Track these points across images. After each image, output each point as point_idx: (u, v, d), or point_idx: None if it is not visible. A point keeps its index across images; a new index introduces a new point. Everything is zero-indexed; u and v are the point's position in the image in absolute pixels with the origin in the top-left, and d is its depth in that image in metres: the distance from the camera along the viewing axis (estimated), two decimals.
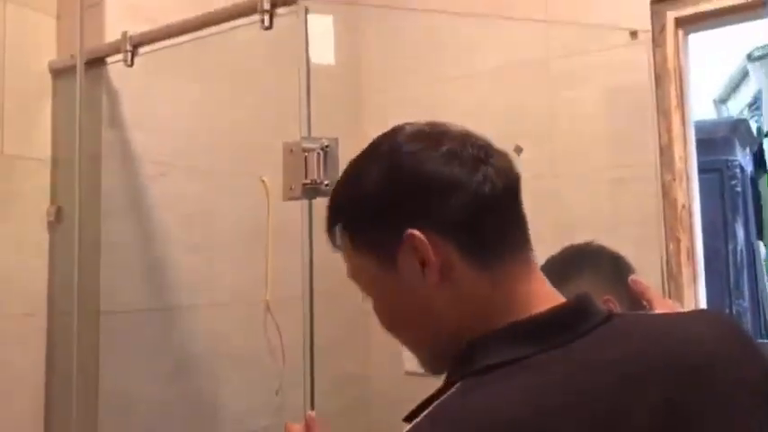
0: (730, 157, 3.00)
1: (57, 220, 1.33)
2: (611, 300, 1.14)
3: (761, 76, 3.66)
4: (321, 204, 1.11)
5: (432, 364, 0.67)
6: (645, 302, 1.17)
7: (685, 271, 1.65)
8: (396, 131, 0.67)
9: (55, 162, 1.36)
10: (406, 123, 0.68)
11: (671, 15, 1.68)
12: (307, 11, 1.05)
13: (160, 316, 1.44)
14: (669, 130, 1.68)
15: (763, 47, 3.53)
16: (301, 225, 1.07)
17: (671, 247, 1.67)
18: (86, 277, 1.30)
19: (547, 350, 0.59)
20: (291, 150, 1.05)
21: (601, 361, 0.59)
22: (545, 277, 0.67)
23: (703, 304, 1.71)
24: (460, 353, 0.62)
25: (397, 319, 0.68)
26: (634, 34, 1.54)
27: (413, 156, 0.63)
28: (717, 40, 1.98)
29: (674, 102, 1.68)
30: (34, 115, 1.36)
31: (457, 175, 0.62)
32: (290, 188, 1.05)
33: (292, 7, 1.06)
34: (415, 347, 0.69)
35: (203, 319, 1.52)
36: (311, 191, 1.04)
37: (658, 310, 1.17)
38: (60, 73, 1.36)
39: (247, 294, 1.63)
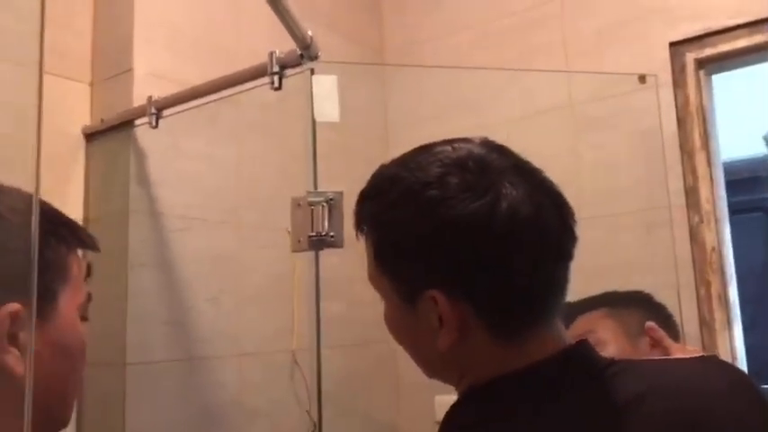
0: None
1: (87, 274, 1.39)
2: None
3: None
4: (327, 255, 1.14)
5: (427, 374, 0.70)
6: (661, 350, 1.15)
7: (718, 316, 1.60)
8: (443, 168, 0.62)
9: (86, 220, 1.43)
10: (451, 152, 0.64)
11: (690, 57, 1.68)
12: (312, 72, 1.10)
13: (186, 366, 1.47)
14: (694, 172, 1.66)
15: None
16: (308, 276, 1.10)
17: (702, 291, 1.62)
18: (114, 330, 1.35)
19: (555, 396, 0.61)
20: (299, 204, 1.09)
21: (601, 407, 0.60)
22: (560, 324, 0.66)
23: (740, 349, 1.64)
24: (466, 398, 0.64)
25: (400, 337, 0.70)
26: (642, 79, 1.54)
27: (452, 212, 0.60)
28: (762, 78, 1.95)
29: (697, 143, 1.66)
30: (68, 177, 1.44)
31: (498, 241, 0.60)
32: (299, 241, 1.09)
33: (298, 69, 1.11)
34: (413, 359, 0.70)
35: (230, 370, 1.55)
36: (317, 242, 1.07)
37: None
38: (92, 136, 1.45)
39: (274, 344, 1.66)
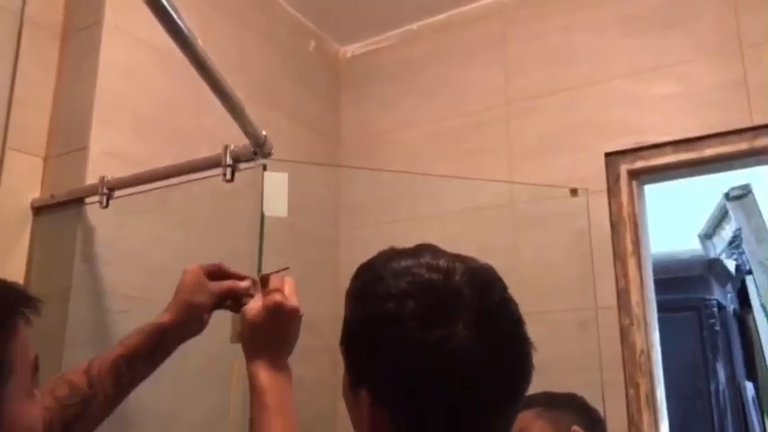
0: (707, 296, 3.04)
1: (35, 369, 1.37)
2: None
3: (739, 216, 3.76)
4: None
5: None
6: None
7: (645, 417, 1.66)
8: (410, 286, 0.65)
9: None
10: (400, 257, 0.68)
11: (624, 168, 1.79)
12: (264, 168, 1.15)
13: None
14: (626, 276, 1.75)
15: (740, 187, 3.66)
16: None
17: (631, 392, 1.68)
18: None
19: None
20: None
21: None
22: None
23: None
24: None
25: (347, 407, 0.72)
26: (574, 192, 1.64)
27: (397, 333, 0.63)
28: (699, 178, 2.08)
29: (629, 248, 1.76)
30: (11, 249, 1.43)
31: (424, 344, 0.61)
32: (239, 333, 1.10)
33: (251, 163, 1.16)
34: None
35: None
36: None
37: None
38: (40, 210, 1.46)
39: (208, 429, 1.64)
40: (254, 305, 0.95)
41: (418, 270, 0.65)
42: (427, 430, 0.63)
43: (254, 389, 0.90)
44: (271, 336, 0.93)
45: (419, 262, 0.66)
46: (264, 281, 0.97)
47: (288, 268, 0.98)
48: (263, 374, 0.90)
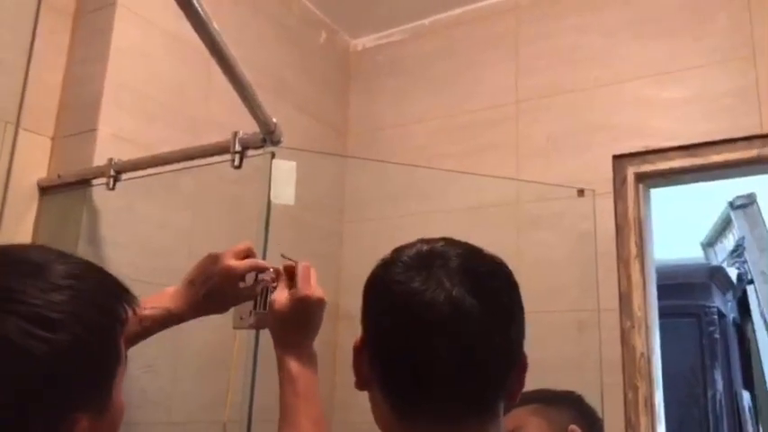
0: (707, 303, 3.03)
1: None
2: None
3: (743, 224, 3.76)
4: (268, 335, 1.16)
5: None
6: None
7: (643, 420, 1.66)
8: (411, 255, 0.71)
9: None
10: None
11: (631, 171, 1.79)
12: (273, 156, 1.15)
13: None
14: (629, 278, 1.74)
15: (745, 195, 3.66)
16: (246, 354, 1.11)
17: (629, 395, 1.68)
18: None
19: None
20: (244, 281, 1.11)
21: None
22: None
23: None
24: None
25: None
26: (581, 192, 1.64)
27: (379, 270, 0.71)
28: (703, 186, 2.08)
29: (633, 251, 1.76)
30: (16, 228, 1.43)
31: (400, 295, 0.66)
32: (241, 318, 1.10)
33: (260, 151, 1.16)
34: None
35: None
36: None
37: None
38: (47, 190, 1.45)
39: (205, 415, 1.64)
40: (281, 296, 0.98)
41: (422, 245, 0.70)
42: (385, 366, 0.68)
43: (285, 377, 0.94)
44: (299, 325, 0.97)
45: (427, 242, 0.71)
46: (290, 271, 1.00)
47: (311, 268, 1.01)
48: (294, 363, 0.94)
